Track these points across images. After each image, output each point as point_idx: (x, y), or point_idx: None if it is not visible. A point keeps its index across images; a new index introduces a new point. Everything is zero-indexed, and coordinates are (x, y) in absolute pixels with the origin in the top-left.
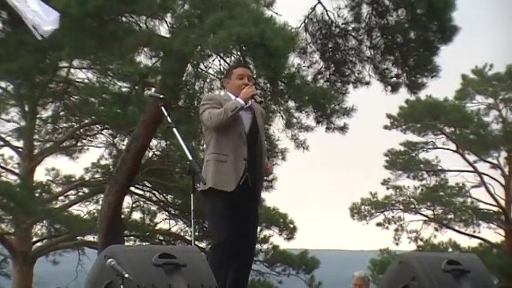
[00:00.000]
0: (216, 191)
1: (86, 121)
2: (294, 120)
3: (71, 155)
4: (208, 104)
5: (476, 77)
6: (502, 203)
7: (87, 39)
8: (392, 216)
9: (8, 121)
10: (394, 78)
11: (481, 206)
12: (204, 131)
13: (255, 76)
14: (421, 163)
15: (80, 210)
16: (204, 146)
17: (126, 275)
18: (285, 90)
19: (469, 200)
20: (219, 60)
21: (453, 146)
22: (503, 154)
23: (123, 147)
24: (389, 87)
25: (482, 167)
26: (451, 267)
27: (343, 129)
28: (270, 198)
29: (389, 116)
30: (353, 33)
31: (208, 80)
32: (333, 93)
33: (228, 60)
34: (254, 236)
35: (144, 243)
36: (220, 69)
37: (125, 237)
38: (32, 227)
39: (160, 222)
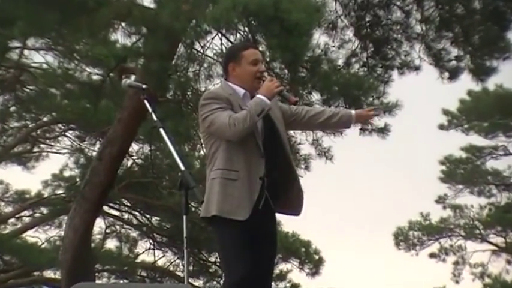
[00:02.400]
0: (224, 220)
1: (45, 119)
2: None
3: (25, 163)
4: (216, 105)
5: None
6: None
7: (47, 11)
8: (451, 245)
9: None
10: (453, 62)
11: None
12: (205, 140)
13: (268, 60)
14: (489, 174)
15: (37, 237)
16: (206, 158)
17: None
18: (308, 78)
19: None
20: (220, 39)
21: None
22: None
23: (94, 153)
24: (446, 74)
25: None
26: None
27: (383, 131)
28: (287, 221)
29: (446, 113)
30: (398, 3)
31: (205, 65)
32: (372, 82)
33: (232, 38)
34: (273, 268)
35: (121, 281)
36: (221, 50)
37: (96, 273)
38: None
39: (143, 252)
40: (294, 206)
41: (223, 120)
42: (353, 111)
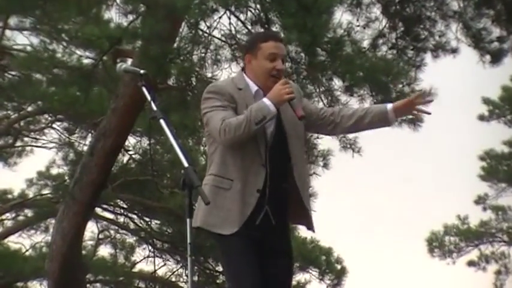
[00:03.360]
0: (213, 233)
1: (29, 109)
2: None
3: (7, 159)
4: (217, 101)
5: None
6: None
7: None
8: (493, 252)
9: None
10: (495, 43)
11: None
12: (206, 137)
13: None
14: None
15: (21, 243)
16: (207, 152)
17: None
18: (328, 62)
19: None
20: (229, 18)
21: None
22: None
23: (85, 148)
24: (487, 57)
25: None
26: None
27: (414, 122)
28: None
29: (486, 101)
30: None
31: (212, 48)
32: (401, 66)
33: (242, 17)
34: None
35: None
36: (230, 30)
37: (88, 285)
38: None
39: (141, 261)
40: (305, 222)
41: (216, 124)
42: (389, 105)
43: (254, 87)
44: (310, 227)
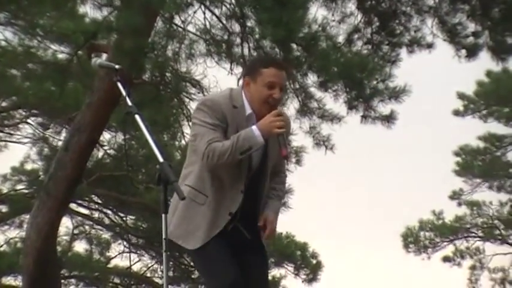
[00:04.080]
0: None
1: (3, 104)
2: (314, 104)
3: None
4: (209, 118)
5: None
6: None
7: None
8: (467, 248)
9: None
10: (470, 38)
11: None
12: (191, 141)
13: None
14: (510, 167)
15: None
16: (186, 158)
17: None
18: (303, 57)
19: None
20: (203, 12)
21: None
22: None
23: (60, 143)
24: (462, 52)
25: None
26: None
27: (389, 119)
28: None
29: (461, 96)
30: None
31: (186, 42)
32: (376, 62)
33: (217, 12)
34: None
35: None
36: (204, 25)
37: (63, 280)
38: None
39: (116, 256)
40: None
41: (201, 145)
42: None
43: (248, 110)
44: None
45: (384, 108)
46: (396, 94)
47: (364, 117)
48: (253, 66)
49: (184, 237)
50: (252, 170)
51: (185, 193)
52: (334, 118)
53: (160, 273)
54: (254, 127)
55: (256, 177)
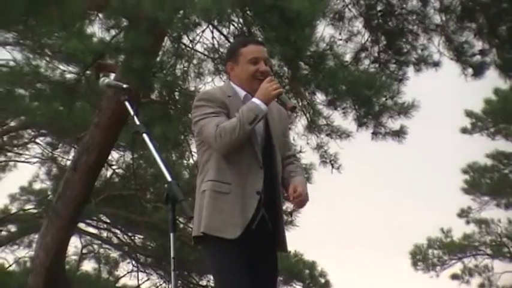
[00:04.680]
0: (214, 238)
1: (12, 124)
2: (322, 121)
3: None
4: (209, 108)
5: None
6: None
7: (13, 0)
8: (476, 265)
9: None
10: (478, 56)
11: None
12: (197, 146)
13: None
14: None
15: (4, 258)
16: (198, 166)
17: None
18: (311, 76)
19: None
20: (212, 32)
21: None
22: None
23: (68, 163)
24: (469, 70)
25: None
26: None
27: (399, 134)
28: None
29: (469, 114)
30: None
31: (195, 61)
32: (384, 80)
33: (224, 31)
34: None
35: None
36: (213, 44)
37: None
38: None
39: (125, 275)
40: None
41: (211, 131)
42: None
43: (242, 93)
44: (283, 247)
45: (394, 124)
46: (405, 110)
47: (374, 133)
48: (232, 50)
49: (222, 228)
50: (259, 141)
51: (208, 187)
52: (342, 135)
53: None
54: (254, 98)
55: (268, 152)
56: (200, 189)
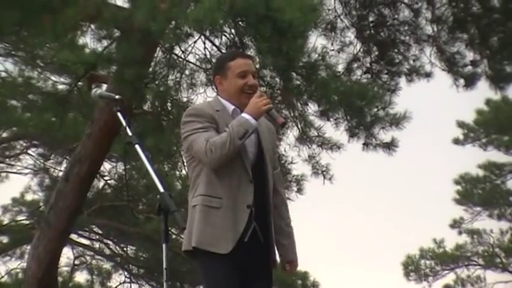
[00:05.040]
0: (205, 253)
1: (4, 135)
2: (314, 132)
3: None
4: (198, 123)
5: None
6: None
7: (5, 10)
8: (468, 276)
9: None
10: (469, 67)
11: None
12: (187, 161)
13: (258, 67)
14: (511, 195)
15: None
16: (189, 181)
17: None
18: (303, 86)
19: None
20: (204, 43)
21: None
22: None
23: (60, 174)
24: (461, 81)
25: None
26: None
27: (390, 146)
28: None
29: (461, 125)
30: (406, 0)
31: (187, 72)
32: (376, 90)
33: (216, 42)
34: None
35: None
36: (205, 55)
37: None
38: None
39: (117, 286)
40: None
41: (201, 145)
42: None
43: (231, 107)
44: (274, 264)
45: (385, 136)
46: (397, 121)
47: (365, 144)
48: (220, 64)
49: (215, 243)
50: (249, 155)
51: (199, 201)
52: (333, 146)
53: None
54: (243, 113)
55: (259, 166)
56: (191, 204)
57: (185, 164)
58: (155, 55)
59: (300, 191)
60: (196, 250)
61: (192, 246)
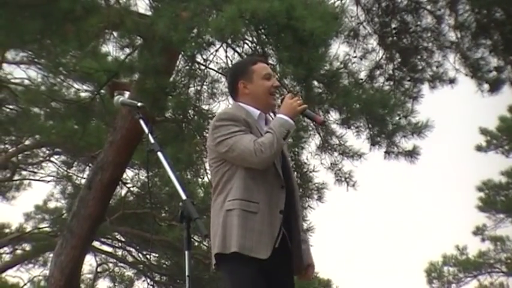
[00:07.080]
0: (242, 258)
1: (27, 142)
2: (335, 140)
3: (4, 193)
4: (235, 127)
5: None
6: None
7: (28, 19)
8: (491, 283)
9: None
10: (493, 73)
11: None
12: (216, 166)
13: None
14: None
15: (19, 277)
16: (213, 187)
17: None
18: (325, 94)
19: None
20: (225, 51)
21: None
22: None
23: (83, 181)
24: (485, 87)
25: None
26: None
27: (412, 154)
28: None
29: (484, 132)
30: (428, 7)
31: (208, 81)
32: (398, 98)
33: (238, 50)
34: None
35: None
36: (226, 64)
37: None
38: None
39: None
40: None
41: (247, 146)
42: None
43: (256, 112)
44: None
45: (407, 144)
46: (419, 130)
47: (387, 153)
48: (243, 69)
49: (256, 248)
50: (279, 161)
51: (237, 206)
52: (355, 155)
53: None
54: (280, 114)
55: (286, 171)
56: (223, 208)
57: (208, 170)
58: (177, 64)
59: (320, 198)
60: (234, 254)
61: (232, 251)
